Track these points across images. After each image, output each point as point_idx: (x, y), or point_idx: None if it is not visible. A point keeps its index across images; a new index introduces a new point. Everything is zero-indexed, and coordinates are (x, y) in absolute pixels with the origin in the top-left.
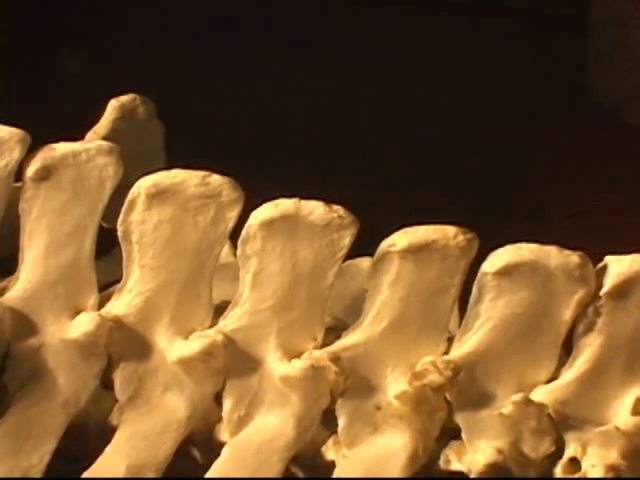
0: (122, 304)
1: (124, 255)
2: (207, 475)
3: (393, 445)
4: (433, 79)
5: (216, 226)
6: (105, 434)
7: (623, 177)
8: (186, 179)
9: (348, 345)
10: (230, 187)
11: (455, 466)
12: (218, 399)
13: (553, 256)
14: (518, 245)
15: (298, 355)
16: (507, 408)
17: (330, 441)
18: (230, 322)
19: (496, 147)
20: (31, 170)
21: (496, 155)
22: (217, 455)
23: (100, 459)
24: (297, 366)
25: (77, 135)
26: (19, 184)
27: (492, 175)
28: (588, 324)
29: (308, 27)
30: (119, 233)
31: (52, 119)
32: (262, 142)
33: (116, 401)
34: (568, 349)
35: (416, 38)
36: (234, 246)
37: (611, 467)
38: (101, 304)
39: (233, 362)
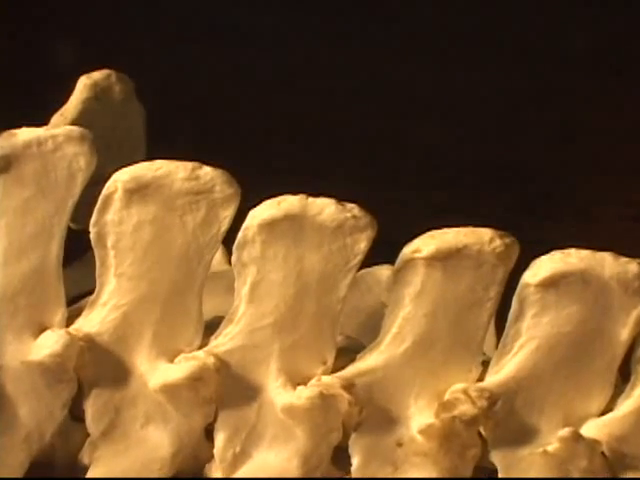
0: (95, 320)
1: (97, 262)
2: None
3: None
4: (459, 53)
5: (207, 228)
6: (74, 474)
7: None
8: (171, 172)
9: (364, 370)
10: (224, 181)
11: None
12: (209, 433)
13: (607, 264)
14: (566, 251)
15: (304, 381)
16: (552, 445)
17: None
18: (223, 342)
19: (539, 133)
20: None
21: (539, 143)
22: None
23: None
24: (303, 394)
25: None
26: None
27: (535, 167)
28: None
29: None
30: (92, 236)
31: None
32: (262, 128)
33: (88, 435)
34: (625, 375)
35: (438, 6)
36: (229, 252)
37: None
38: (70, 320)
39: (227, 389)
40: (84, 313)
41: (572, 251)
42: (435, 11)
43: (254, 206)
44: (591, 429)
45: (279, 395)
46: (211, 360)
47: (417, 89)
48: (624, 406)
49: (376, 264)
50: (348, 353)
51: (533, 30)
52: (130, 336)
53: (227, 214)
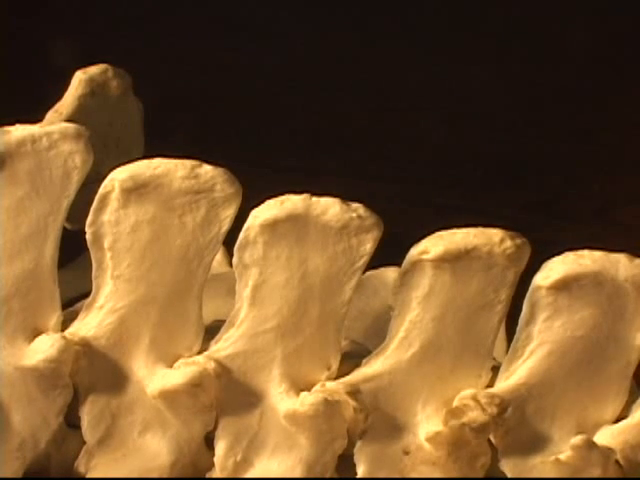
0: (91, 324)
1: (94, 264)
2: None
3: None
4: (472, 49)
5: (207, 228)
6: None
7: None
8: (170, 170)
9: (370, 375)
10: (224, 180)
11: None
12: (209, 441)
13: (622, 266)
14: (579, 252)
15: (308, 387)
16: (565, 453)
17: None
18: (224, 346)
19: (553, 129)
20: None
21: (553, 139)
22: None
23: None
24: (307, 401)
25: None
26: None
27: (547, 164)
28: None
29: None
30: (88, 236)
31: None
32: (263, 125)
33: (84, 443)
34: None
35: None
36: (230, 253)
37: None
38: (65, 324)
39: (228, 396)
40: (80, 316)
41: (585, 252)
42: (446, 6)
43: (256, 206)
44: (605, 437)
45: (282, 401)
46: (211, 365)
47: (428, 86)
48: (639, 413)
49: (382, 266)
50: (353, 358)
51: (550, 26)
52: (128, 340)
53: (228, 214)
